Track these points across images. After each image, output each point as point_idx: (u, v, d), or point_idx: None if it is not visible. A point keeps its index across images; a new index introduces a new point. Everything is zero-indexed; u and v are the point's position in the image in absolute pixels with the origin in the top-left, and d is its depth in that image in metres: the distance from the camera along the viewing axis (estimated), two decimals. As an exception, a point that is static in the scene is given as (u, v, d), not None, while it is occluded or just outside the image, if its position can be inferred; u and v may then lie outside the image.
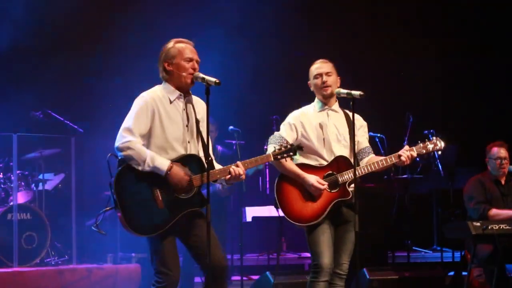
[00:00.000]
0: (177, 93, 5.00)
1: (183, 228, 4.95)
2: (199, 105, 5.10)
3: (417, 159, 5.62)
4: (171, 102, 4.98)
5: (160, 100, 4.95)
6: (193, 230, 4.96)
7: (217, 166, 5.08)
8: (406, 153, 5.46)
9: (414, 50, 11.08)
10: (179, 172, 4.83)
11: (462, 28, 11.05)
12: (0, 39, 9.49)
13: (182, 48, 5.02)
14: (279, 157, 5.15)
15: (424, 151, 5.56)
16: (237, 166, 4.99)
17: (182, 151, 4.95)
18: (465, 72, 11.08)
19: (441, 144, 5.58)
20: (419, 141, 5.60)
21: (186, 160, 4.93)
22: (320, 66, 5.63)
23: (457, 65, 11.05)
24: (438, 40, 11.16)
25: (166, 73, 5.03)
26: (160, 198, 4.84)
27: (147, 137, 4.92)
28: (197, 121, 5.04)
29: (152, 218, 4.83)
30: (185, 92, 5.03)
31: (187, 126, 5.00)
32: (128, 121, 4.89)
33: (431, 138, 5.61)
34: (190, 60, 4.99)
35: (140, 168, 4.80)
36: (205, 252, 4.81)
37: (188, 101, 5.04)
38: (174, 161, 4.89)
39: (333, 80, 5.59)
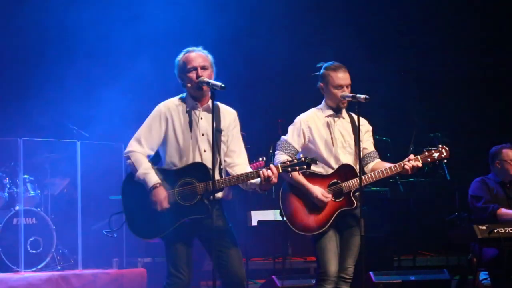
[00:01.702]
0: (194, 102, 5.05)
1: (209, 240, 4.93)
2: (227, 115, 5.10)
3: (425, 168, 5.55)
4: (187, 112, 5.03)
5: (175, 109, 5.03)
6: (220, 244, 4.95)
7: (247, 169, 5.07)
8: (411, 163, 5.43)
9: (418, 50, 11.07)
10: (160, 195, 4.88)
11: (466, 28, 11.03)
12: (6, 44, 9.52)
13: (186, 58, 5.06)
14: (289, 169, 5.00)
15: (429, 159, 5.52)
16: (269, 169, 4.94)
17: (197, 160, 4.99)
18: (471, 73, 11.05)
19: (447, 153, 5.53)
20: (424, 149, 5.56)
21: (193, 168, 4.95)
22: (344, 77, 5.53)
23: (462, 66, 11.02)
24: (443, 40, 11.14)
25: (182, 85, 5.11)
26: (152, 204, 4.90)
27: (162, 145, 5.02)
28: (219, 131, 5.04)
29: (152, 222, 4.89)
30: (202, 101, 5.06)
31: (203, 135, 5.02)
32: (140, 130, 5.02)
33: (437, 146, 5.56)
34: (194, 68, 5.02)
35: (135, 178, 4.94)
36: (229, 268, 4.92)
37: (207, 110, 5.06)
38: (180, 168, 4.94)
39: (349, 91, 5.56)
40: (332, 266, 5.43)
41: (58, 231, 8.38)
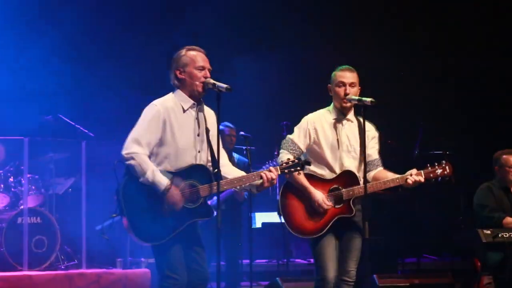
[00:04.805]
0: (191, 102, 4.99)
1: (187, 240, 4.97)
2: (210, 115, 5.09)
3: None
4: (184, 111, 4.98)
5: (172, 109, 4.95)
6: (194, 244, 5.01)
7: (239, 173, 5.07)
8: (414, 177, 5.41)
9: (424, 52, 11.06)
10: (176, 195, 4.82)
11: (469, 31, 11.02)
12: (12, 44, 9.54)
13: (194, 56, 4.99)
14: (286, 171, 5.05)
15: (432, 175, 5.48)
16: (270, 171, 4.94)
17: (192, 161, 4.96)
18: (476, 77, 11.04)
19: (450, 170, 5.50)
20: (428, 165, 5.53)
21: (194, 170, 4.93)
22: (345, 75, 5.51)
23: (469, 68, 11.01)
24: (448, 45, 11.13)
25: (178, 81, 5.02)
26: (166, 207, 4.85)
27: (158, 146, 4.92)
28: (207, 130, 5.02)
29: (158, 226, 4.84)
30: (198, 100, 5.02)
31: (198, 135, 4.99)
32: (138, 130, 4.89)
33: (441, 163, 5.54)
34: (202, 68, 4.97)
35: (140, 180, 4.82)
36: (197, 268, 4.95)
37: (200, 109, 5.03)
38: (182, 171, 4.89)
39: (355, 91, 5.50)
40: (330, 271, 5.40)
41: (63, 230, 8.38)
